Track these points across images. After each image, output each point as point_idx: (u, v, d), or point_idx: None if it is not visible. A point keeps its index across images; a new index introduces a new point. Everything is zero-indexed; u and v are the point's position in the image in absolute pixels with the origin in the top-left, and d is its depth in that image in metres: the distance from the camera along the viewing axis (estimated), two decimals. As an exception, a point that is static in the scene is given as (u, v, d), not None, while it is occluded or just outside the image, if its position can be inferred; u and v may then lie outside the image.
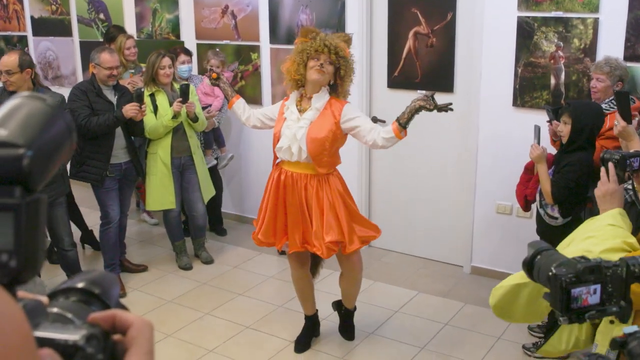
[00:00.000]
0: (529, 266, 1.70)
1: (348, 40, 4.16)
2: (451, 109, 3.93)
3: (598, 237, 2.20)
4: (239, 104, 4.48)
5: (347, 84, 4.15)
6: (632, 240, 2.17)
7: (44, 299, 0.86)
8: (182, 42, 6.77)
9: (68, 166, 5.40)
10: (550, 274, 1.58)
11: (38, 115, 0.83)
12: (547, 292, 1.62)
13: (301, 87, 4.14)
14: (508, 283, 2.36)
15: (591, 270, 1.56)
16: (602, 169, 2.42)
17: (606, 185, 2.39)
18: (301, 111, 4.13)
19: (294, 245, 4.24)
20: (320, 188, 4.12)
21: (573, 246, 2.26)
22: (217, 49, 6.49)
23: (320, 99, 4.10)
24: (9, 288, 0.72)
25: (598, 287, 1.56)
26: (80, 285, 0.89)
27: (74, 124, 0.87)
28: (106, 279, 0.93)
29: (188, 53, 6.26)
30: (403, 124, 3.94)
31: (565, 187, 4.10)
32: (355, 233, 4.19)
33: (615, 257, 2.12)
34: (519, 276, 2.30)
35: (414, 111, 3.92)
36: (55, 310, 0.84)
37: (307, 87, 4.11)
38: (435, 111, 3.92)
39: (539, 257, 1.67)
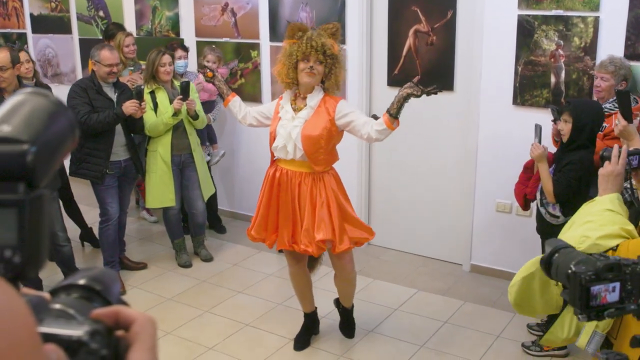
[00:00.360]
0: (547, 264, 1.69)
1: (336, 32, 4.14)
2: (440, 91, 3.90)
3: (596, 222, 2.21)
4: (235, 102, 4.47)
5: (339, 79, 4.15)
6: (630, 227, 2.19)
7: (46, 295, 0.87)
8: (182, 40, 6.77)
9: (65, 162, 5.40)
10: (569, 272, 1.58)
11: (41, 111, 0.83)
12: (565, 289, 1.62)
13: (295, 86, 4.14)
14: (517, 278, 2.38)
15: (610, 268, 1.56)
16: (615, 148, 2.42)
17: (614, 165, 2.40)
18: (296, 110, 4.14)
19: (282, 243, 4.27)
20: (314, 186, 4.13)
21: (572, 231, 2.27)
22: (214, 46, 6.49)
23: (315, 97, 4.11)
24: (13, 283, 0.72)
25: (617, 284, 1.56)
26: (81, 282, 0.89)
27: (76, 119, 0.87)
28: (107, 276, 0.93)
29: (185, 49, 6.26)
30: (394, 114, 3.92)
31: (567, 186, 4.10)
32: (346, 233, 4.19)
33: (612, 243, 2.13)
34: (525, 269, 2.32)
35: (402, 100, 3.89)
36: (57, 306, 0.84)
37: (300, 88, 4.12)
38: (424, 96, 3.87)
39: (557, 255, 1.67)
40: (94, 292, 0.88)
